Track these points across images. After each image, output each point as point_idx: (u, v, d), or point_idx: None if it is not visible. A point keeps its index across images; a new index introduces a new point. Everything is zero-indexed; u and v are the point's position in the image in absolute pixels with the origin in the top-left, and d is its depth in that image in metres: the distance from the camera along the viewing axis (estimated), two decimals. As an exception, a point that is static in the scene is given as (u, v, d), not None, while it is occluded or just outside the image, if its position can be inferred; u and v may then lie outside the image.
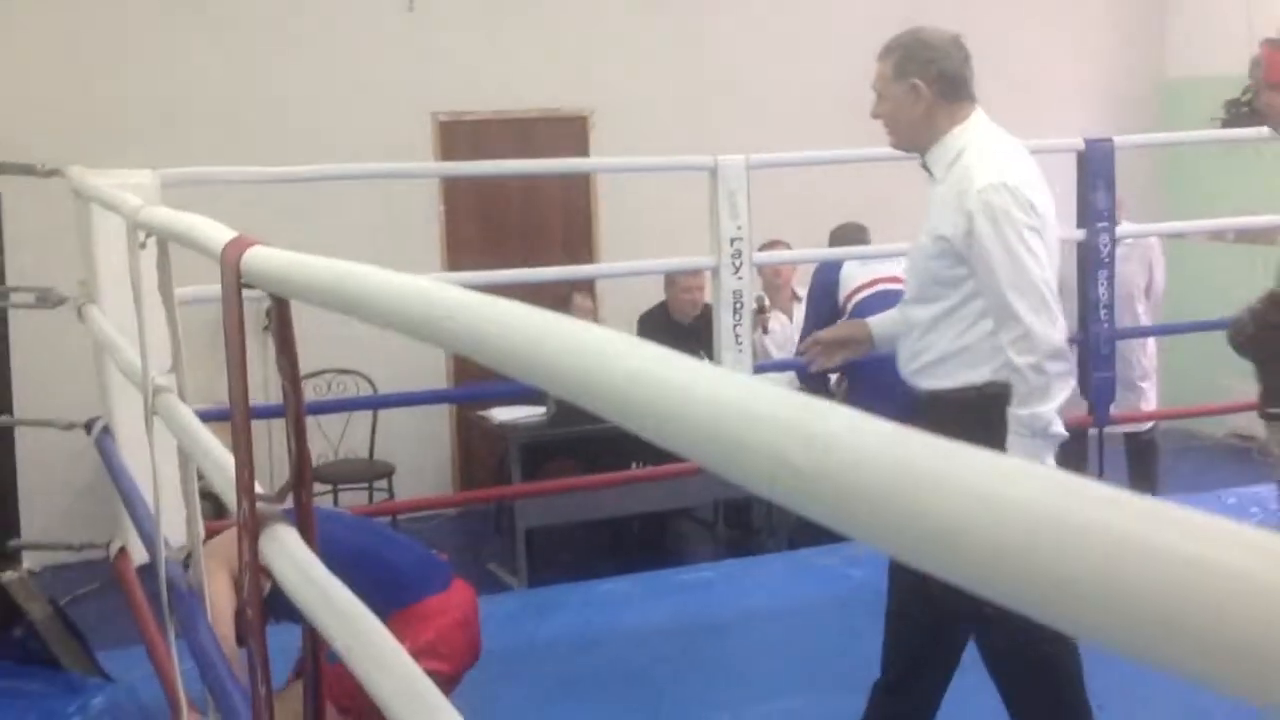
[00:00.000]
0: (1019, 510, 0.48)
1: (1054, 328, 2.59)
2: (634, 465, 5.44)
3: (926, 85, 2.71)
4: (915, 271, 2.79)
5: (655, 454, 4.59)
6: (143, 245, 2.40)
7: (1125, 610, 0.44)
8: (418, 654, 1.40)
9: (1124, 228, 5.31)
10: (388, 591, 2.85)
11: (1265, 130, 6.75)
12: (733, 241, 4.15)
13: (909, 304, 2.80)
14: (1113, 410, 4.76)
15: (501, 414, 6.04)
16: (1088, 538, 0.46)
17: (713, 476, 0.66)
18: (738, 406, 0.60)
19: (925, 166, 2.81)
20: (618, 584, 4.72)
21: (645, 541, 6.49)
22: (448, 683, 2.97)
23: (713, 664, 4.14)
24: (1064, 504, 0.47)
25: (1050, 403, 2.56)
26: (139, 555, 3.63)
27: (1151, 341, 5.79)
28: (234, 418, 1.73)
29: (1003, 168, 2.63)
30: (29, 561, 4.21)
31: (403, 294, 1.04)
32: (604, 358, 0.72)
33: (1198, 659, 0.40)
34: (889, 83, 2.77)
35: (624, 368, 0.69)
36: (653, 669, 4.06)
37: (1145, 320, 5.87)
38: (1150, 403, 5.88)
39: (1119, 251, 5.62)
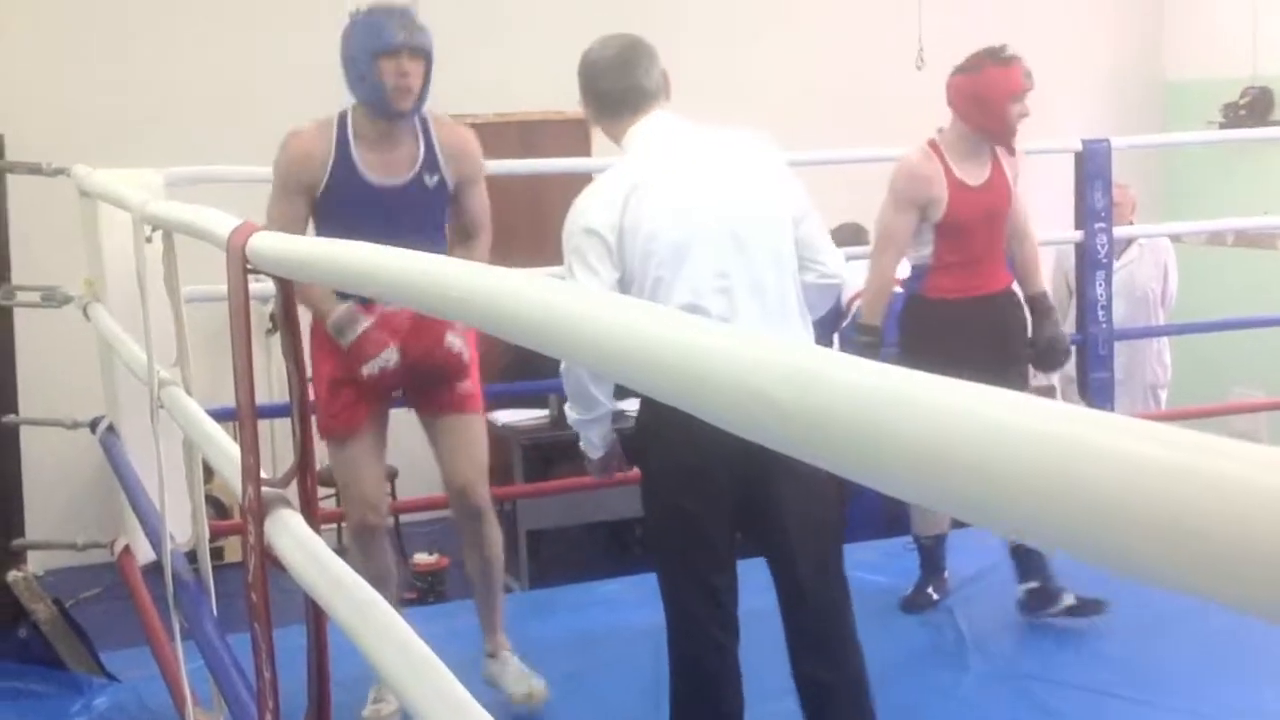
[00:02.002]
0: (998, 433, 0.50)
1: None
2: (633, 468, 5.45)
3: None
4: None
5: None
6: (149, 239, 2.43)
7: (1098, 519, 0.46)
8: None
9: (1122, 229, 5.34)
10: None
11: (1267, 133, 6.78)
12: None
13: None
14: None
15: (504, 415, 6.06)
16: (1068, 456, 0.48)
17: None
18: (720, 349, 0.62)
19: None
20: (619, 585, 4.73)
21: (647, 544, 6.50)
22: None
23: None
24: (1038, 425, 0.49)
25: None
26: (143, 554, 3.65)
27: (1167, 351, 5.81)
28: (239, 403, 1.76)
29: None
30: (33, 564, 4.23)
31: (404, 268, 1.07)
32: (593, 313, 0.75)
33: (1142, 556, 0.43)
34: None
35: (611, 320, 0.72)
36: (654, 669, 4.07)
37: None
38: (1163, 407, 5.92)
39: (1131, 254, 5.65)
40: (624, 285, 2.70)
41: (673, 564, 2.83)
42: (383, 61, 3.19)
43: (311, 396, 2.77)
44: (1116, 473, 0.44)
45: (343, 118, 3.32)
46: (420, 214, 3.36)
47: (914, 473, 0.54)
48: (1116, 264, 5.62)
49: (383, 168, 3.31)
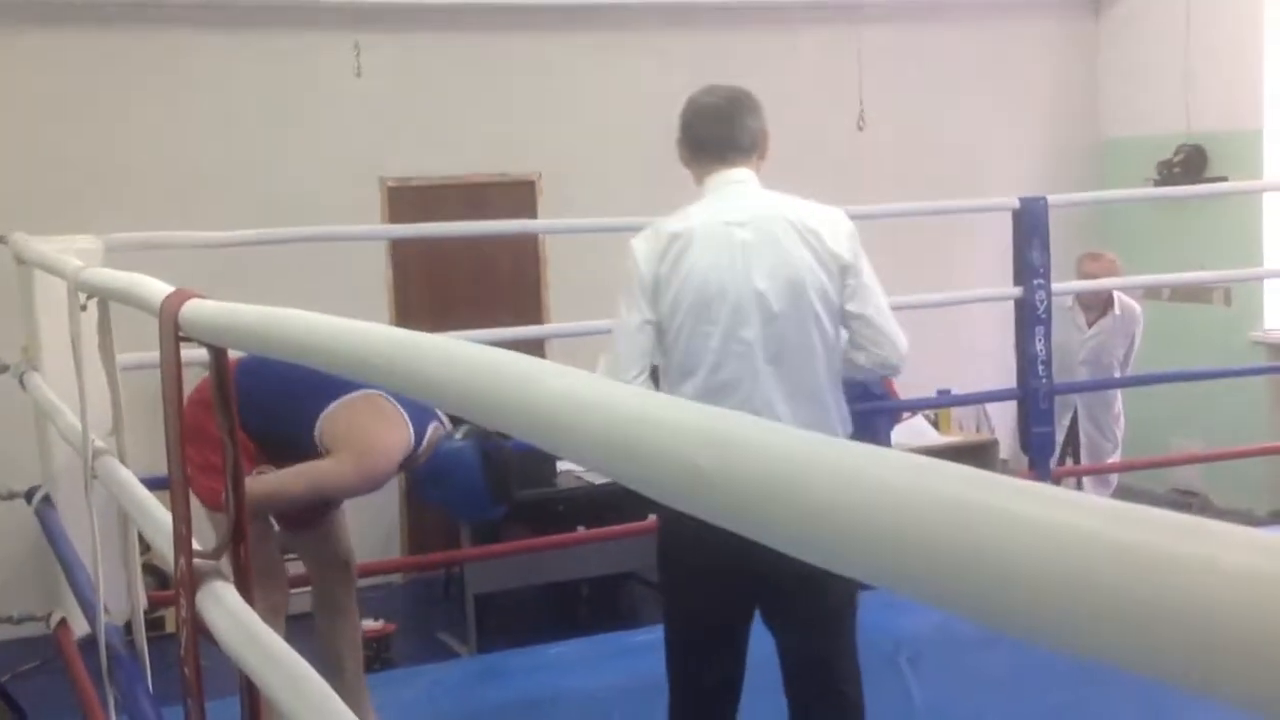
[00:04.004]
0: (917, 500, 0.50)
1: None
2: (578, 529, 5.43)
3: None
4: None
5: (601, 517, 4.61)
6: (84, 306, 2.40)
7: (1006, 588, 0.46)
8: None
9: (1062, 285, 5.41)
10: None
11: (1200, 189, 6.92)
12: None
13: None
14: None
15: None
16: (992, 524, 0.48)
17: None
18: (645, 416, 0.62)
19: None
20: (567, 647, 4.69)
21: (596, 606, 6.46)
22: None
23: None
24: (955, 490, 0.49)
25: None
26: (79, 627, 3.58)
27: (1122, 414, 5.90)
28: (171, 473, 1.73)
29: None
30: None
31: (334, 335, 1.06)
32: (521, 381, 0.74)
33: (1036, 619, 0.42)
34: None
35: (539, 389, 0.71)
36: (605, 732, 4.04)
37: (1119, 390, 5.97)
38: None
39: (1105, 324, 5.74)
40: (659, 330, 2.72)
41: (676, 617, 2.84)
42: None
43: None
44: (1020, 537, 0.44)
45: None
46: None
47: (835, 541, 0.53)
48: (1089, 331, 5.71)
49: None
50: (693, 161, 2.86)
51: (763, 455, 0.56)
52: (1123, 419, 5.98)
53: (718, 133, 2.82)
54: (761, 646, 2.83)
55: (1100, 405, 5.88)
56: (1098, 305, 5.78)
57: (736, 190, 2.79)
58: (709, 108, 2.85)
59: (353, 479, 3.18)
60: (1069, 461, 5.88)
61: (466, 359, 0.82)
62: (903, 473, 0.50)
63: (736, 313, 2.66)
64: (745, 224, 2.71)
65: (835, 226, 2.77)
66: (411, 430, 3.24)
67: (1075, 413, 5.93)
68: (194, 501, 1.79)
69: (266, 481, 3.12)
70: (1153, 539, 0.40)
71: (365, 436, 3.18)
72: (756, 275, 2.67)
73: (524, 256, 7.26)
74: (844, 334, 2.81)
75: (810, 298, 2.69)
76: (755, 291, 2.67)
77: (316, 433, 3.20)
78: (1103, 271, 5.66)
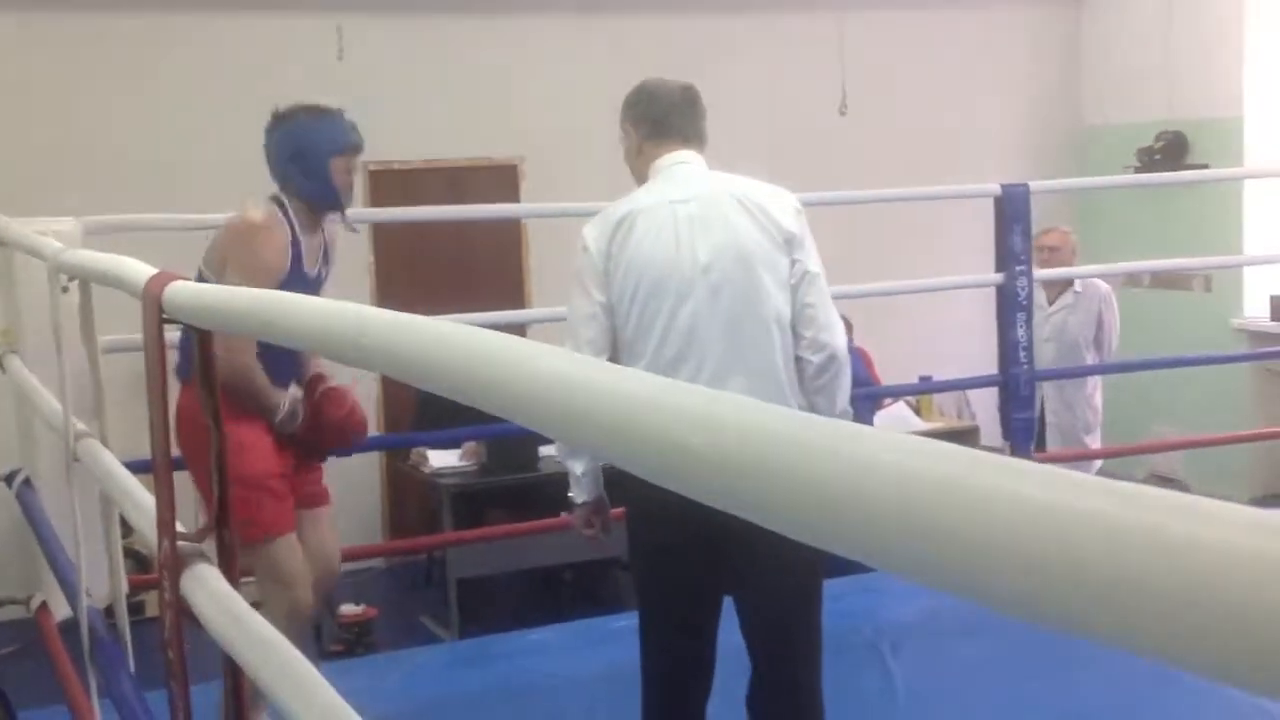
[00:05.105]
0: (905, 478, 0.50)
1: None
2: (561, 514, 5.42)
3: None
4: None
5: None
6: (65, 288, 2.39)
7: (997, 564, 0.46)
8: None
9: (1061, 271, 5.42)
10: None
11: (1181, 176, 6.94)
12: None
13: None
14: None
15: (434, 461, 6.01)
16: (985, 503, 0.48)
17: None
18: (636, 397, 0.62)
19: None
20: (550, 633, 4.69)
21: (579, 591, 6.47)
22: None
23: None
24: (946, 470, 0.49)
25: None
26: (60, 610, 3.57)
27: (1098, 394, 5.89)
28: (154, 456, 1.72)
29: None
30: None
31: (316, 315, 1.05)
32: (510, 362, 0.74)
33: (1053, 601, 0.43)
34: None
35: (528, 370, 0.71)
36: (588, 717, 4.04)
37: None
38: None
39: (1066, 300, 5.74)
40: (611, 311, 2.73)
41: (647, 596, 2.85)
42: (335, 160, 3.32)
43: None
44: (1003, 514, 0.44)
45: (283, 208, 3.32)
46: None
47: (823, 520, 0.53)
48: (1051, 308, 5.71)
49: (309, 259, 3.36)
50: (649, 141, 2.87)
51: (756, 436, 0.56)
52: (1098, 401, 5.98)
53: (682, 114, 2.87)
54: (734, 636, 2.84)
55: (1072, 384, 5.87)
56: (1057, 281, 5.78)
57: (683, 171, 2.82)
58: (673, 91, 2.90)
59: (246, 276, 3.12)
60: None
61: (457, 340, 0.81)
62: (898, 453, 0.50)
63: (681, 289, 2.67)
64: (689, 200, 2.74)
65: (782, 201, 2.80)
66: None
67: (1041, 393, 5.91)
68: (179, 486, 1.79)
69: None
70: (1162, 520, 0.40)
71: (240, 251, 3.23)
72: (701, 250, 2.69)
73: (506, 241, 7.24)
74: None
75: (758, 271, 2.70)
76: (700, 266, 2.68)
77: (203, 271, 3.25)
78: (1058, 242, 5.66)
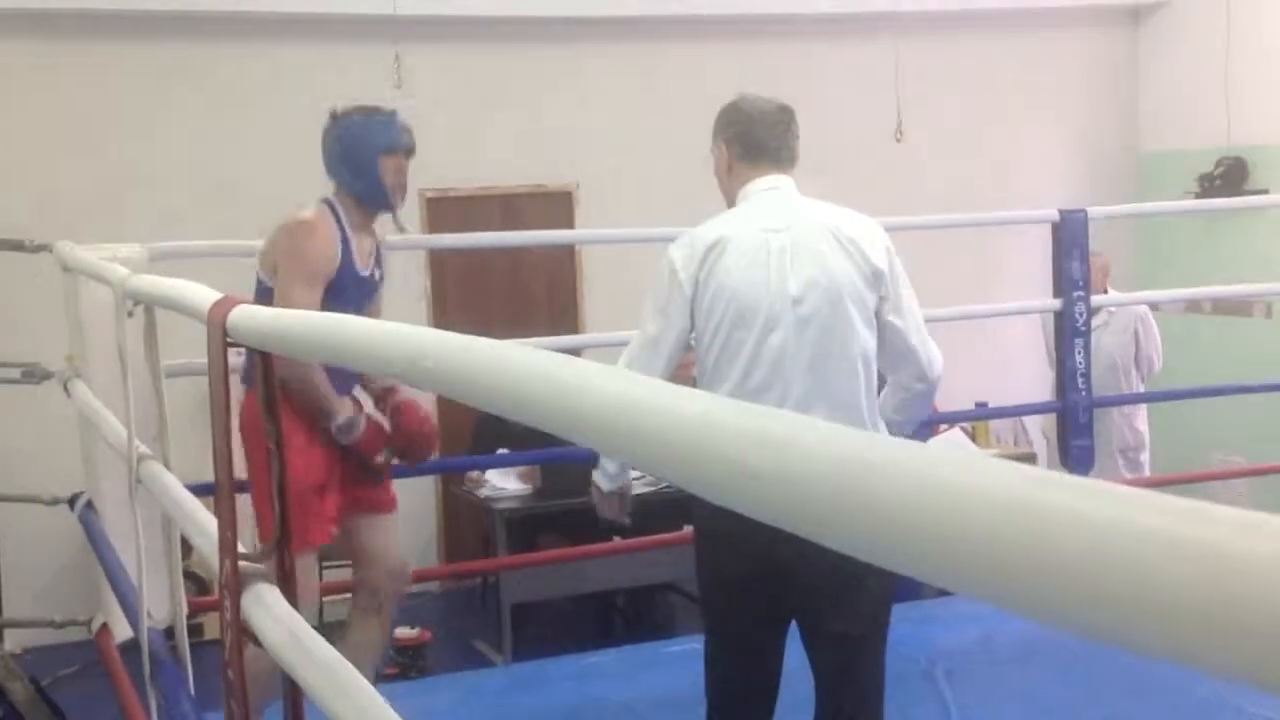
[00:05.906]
0: (970, 498, 0.50)
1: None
2: (614, 538, 5.43)
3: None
4: None
5: (638, 527, 4.61)
6: (130, 313, 2.43)
7: (1074, 587, 0.46)
8: None
9: (1102, 298, 5.37)
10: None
11: (1242, 202, 6.86)
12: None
13: None
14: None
15: (487, 488, 6.04)
16: (1042, 521, 0.48)
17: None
18: (696, 418, 0.62)
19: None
20: (603, 657, 4.69)
21: (632, 616, 6.46)
22: None
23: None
24: (1015, 490, 0.49)
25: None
26: (121, 631, 3.61)
27: (1139, 417, 5.81)
28: (217, 477, 1.75)
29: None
30: (10, 642, 4.18)
31: (381, 338, 1.07)
32: (570, 382, 0.75)
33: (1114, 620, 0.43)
34: None
35: (587, 389, 0.72)
36: (640, 742, 4.04)
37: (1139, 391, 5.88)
38: (1145, 472, 5.89)
39: (1098, 320, 5.69)
40: (696, 339, 2.72)
41: (714, 624, 2.84)
42: (385, 160, 3.34)
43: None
44: (1086, 537, 0.44)
45: (333, 207, 3.34)
46: (369, 305, 3.50)
47: (889, 540, 0.53)
48: None
49: (362, 259, 3.38)
50: (741, 162, 2.83)
51: (816, 455, 0.56)
52: (1140, 423, 5.87)
53: (777, 136, 2.82)
54: (792, 658, 2.83)
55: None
56: None
57: (775, 197, 2.78)
58: (769, 113, 2.85)
59: (295, 272, 3.20)
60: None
61: (519, 362, 0.83)
62: (962, 472, 0.50)
63: (770, 319, 2.65)
64: (782, 230, 2.71)
65: (874, 236, 2.76)
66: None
67: None
68: (241, 508, 1.81)
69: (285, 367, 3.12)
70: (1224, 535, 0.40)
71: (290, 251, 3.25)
72: (792, 282, 2.66)
73: (561, 267, 7.28)
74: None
75: (847, 305, 2.68)
76: (790, 298, 2.66)
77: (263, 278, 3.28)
78: (1094, 267, 5.63)
